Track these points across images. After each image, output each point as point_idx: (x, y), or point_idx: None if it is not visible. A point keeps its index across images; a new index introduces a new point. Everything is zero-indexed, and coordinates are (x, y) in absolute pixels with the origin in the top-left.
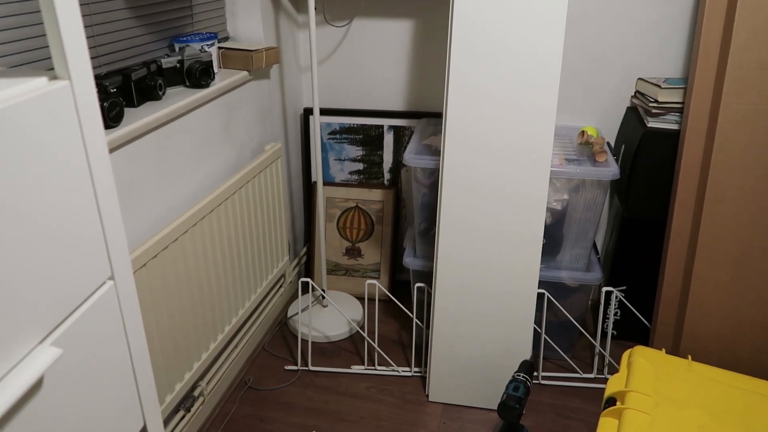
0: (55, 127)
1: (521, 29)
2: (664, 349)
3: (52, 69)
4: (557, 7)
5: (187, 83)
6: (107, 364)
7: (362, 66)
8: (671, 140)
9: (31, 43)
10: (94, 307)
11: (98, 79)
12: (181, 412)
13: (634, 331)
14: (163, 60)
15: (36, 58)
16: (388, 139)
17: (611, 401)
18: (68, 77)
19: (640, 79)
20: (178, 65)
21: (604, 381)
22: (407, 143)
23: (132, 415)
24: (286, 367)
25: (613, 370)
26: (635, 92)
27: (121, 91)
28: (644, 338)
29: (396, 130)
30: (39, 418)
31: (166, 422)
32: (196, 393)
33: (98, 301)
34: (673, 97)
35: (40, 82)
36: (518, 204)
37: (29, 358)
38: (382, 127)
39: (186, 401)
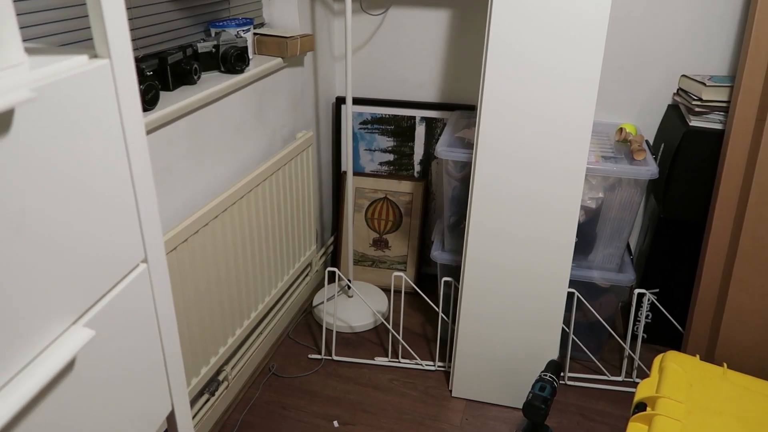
0: (93, 106)
1: (559, 45)
2: (698, 356)
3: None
4: (597, 21)
5: (222, 68)
6: (138, 346)
7: (397, 56)
8: (714, 140)
9: (75, 23)
10: (127, 289)
11: (135, 61)
12: (206, 396)
13: (665, 336)
14: (198, 44)
15: (78, 38)
16: (420, 130)
17: (641, 406)
18: (108, 56)
19: (683, 76)
20: (213, 50)
21: (633, 385)
22: (439, 135)
23: (161, 398)
24: (309, 356)
25: (642, 375)
26: (678, 89)
27: (157, 75)
28: (675, 343)
29: (428, 121)
30: (70, 399)
31: (190, 405)
32: (220, 377)
33: (131, 284)
34: (718, 95)
35: (81, 60)
36: (550, 210)
37: (62, 339)
38: (414, 118)
39: (211, 385)
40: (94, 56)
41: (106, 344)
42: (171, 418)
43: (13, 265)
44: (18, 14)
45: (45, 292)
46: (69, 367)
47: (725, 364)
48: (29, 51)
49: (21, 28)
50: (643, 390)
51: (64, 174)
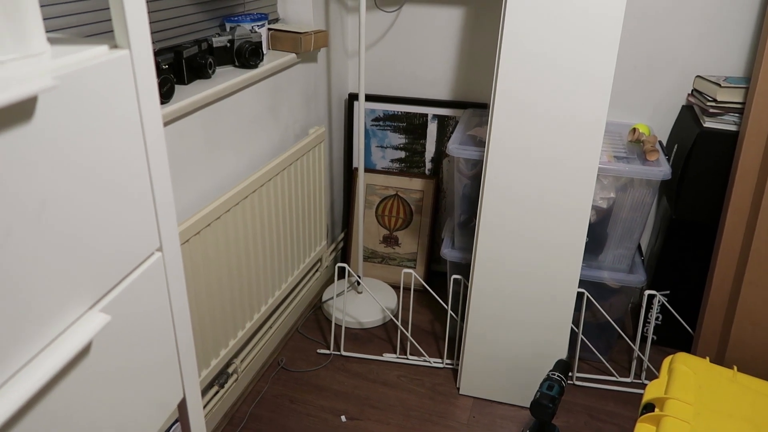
0: (113, 96)
1: (573, 42)
2: (708, 358)
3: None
4: (612, 17)
5: (236, 63)
6: (152, 333)
7: (410, 53)
8: (728, 142)
9: (95, 15)
10: (142, 277)
11: None
12: (215, 388)
13: (675, 338)
14: (213, 39)
15: (100, 30)
16: (432, 128)
17: (649, 407)
18: (128, 46)
19: (698, 76)
20: (228, 45)
21: (641, 386)
22: (451, 133)
23: (173, 385)
24: (318, 351)
25: (651, 376)
26: (692, 90)
27: (173, 68)
28: (685, 345)
29: (440, 119)
30: (86, 382)
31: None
32: (230, 370)
33: (146, 271)
34: (734, 96)
35: (101, 50)
36: (561, 209)
37: (79, 323)
38: (426, 115)
39: (220, 377)
40: (115, 46)
41: (121, 330)
42: (182, 406)
43: (33, 251)
44: (42, 6)
45: (63, 276)
46: (85, 350)
47: (735, 367)
48: (51, 41)
49: (44, 19)
50: (652, 391)
51: (84, 162)
